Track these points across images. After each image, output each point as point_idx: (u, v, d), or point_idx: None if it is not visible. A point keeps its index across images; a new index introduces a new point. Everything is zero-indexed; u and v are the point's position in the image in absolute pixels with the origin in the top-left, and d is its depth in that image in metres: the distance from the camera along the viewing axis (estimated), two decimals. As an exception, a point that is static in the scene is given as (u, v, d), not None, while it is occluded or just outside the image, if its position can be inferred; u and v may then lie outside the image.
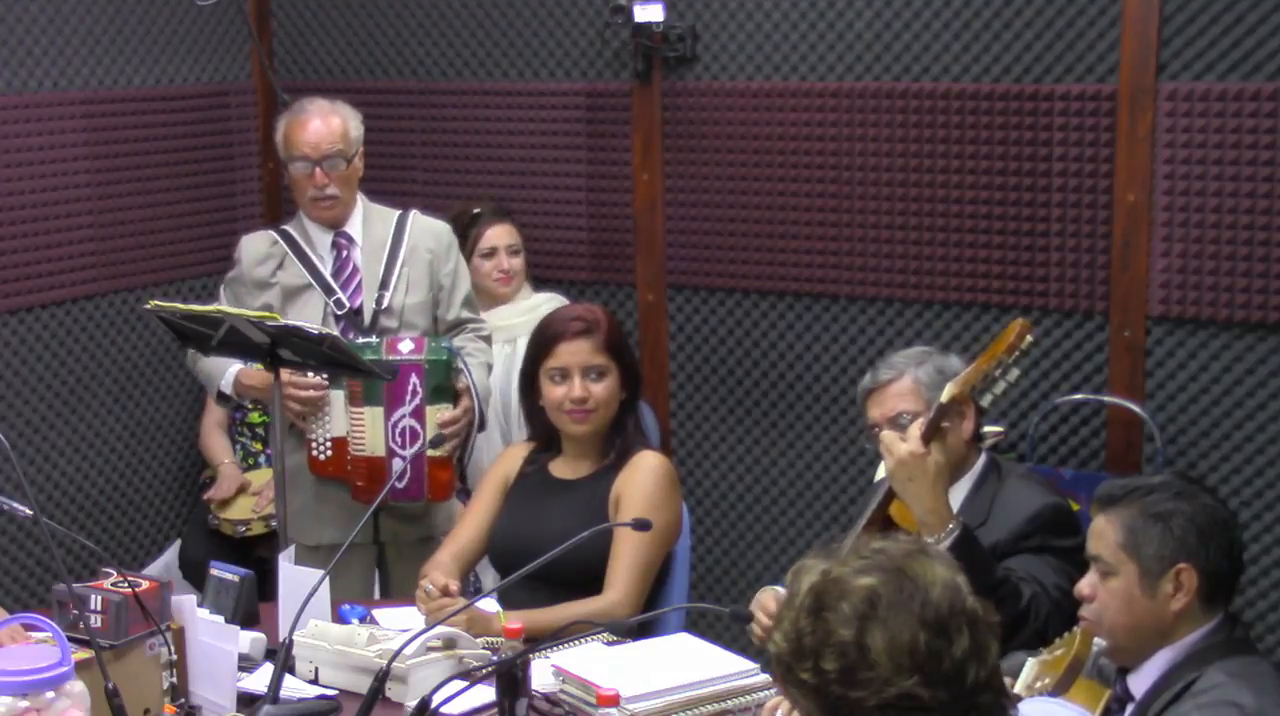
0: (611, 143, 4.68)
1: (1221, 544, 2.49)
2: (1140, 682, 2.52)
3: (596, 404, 3.30)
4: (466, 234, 4.43)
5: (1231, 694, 2.36)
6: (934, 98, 4.18)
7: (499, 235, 4.49)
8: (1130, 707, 2.53)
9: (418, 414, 3.70)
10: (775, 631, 1.87)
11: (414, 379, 3.68)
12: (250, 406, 4.77)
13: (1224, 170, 3.84)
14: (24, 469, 4.13)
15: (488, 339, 3.96)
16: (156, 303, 3.49)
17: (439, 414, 3.69)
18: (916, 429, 2.92)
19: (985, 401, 3.00)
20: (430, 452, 3.68)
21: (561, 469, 3.40)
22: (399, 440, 3.69)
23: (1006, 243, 4.13)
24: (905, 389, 3.19)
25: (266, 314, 3.40)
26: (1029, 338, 2.92)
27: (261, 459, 4.78)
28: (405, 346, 3.69)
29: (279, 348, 3.37)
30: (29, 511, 2.64)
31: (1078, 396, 4.10)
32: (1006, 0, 4.07)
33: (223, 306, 3.64)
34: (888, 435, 2.96)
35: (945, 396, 2.95)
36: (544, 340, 3.37)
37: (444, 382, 3.71)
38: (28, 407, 4.51)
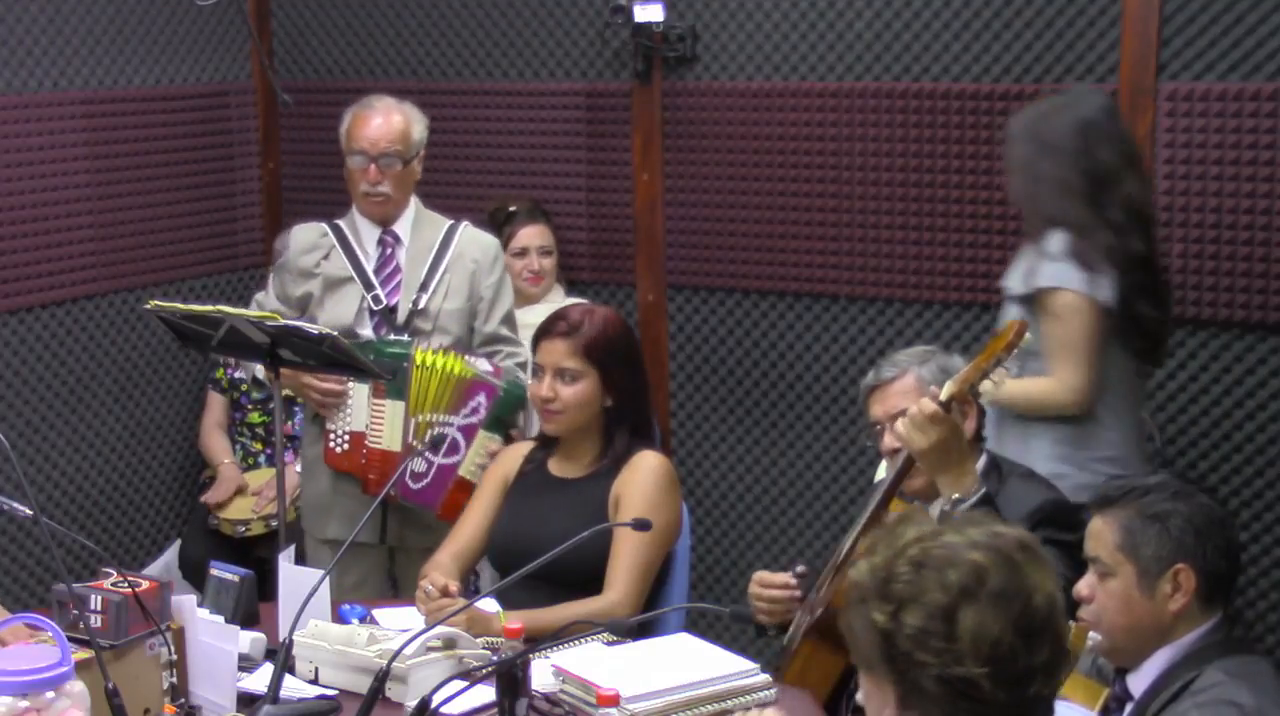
0: (611, 143, 4.68)
1: (1219, 544, 2.50)
2: (1139, 682, 2.52)
3: (563, 406, 3.29)
4: (500, 232, 4.44)
5: (1230, 693, 2.36)
6: (934, 98, 4.18)
7: (531, 236, 4.51)
8: (1129, 706, 2.53)
9: (469, 430, 3.72)
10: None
11: (482, 397, 3.71)
12: (250, 406, 4.78)
13: (1224, 170, 3.84)
14: (24, 469, 4.13)
15: (523, 366, 3.94)
16: (156, 303, 3.49)
17: (489, 443, 3.71)
18: (931, 403, 2.90)
19: (984, 400, 3.00)
20: (458, 473, 3.70)
21: (559, 466, 3.40)
22: (428, 443, 3.69)
23: (1006, 243, 4.13)
24: (908, 387, 3.18)
25: (266, 314, 3.40)
26: (1027, 336, 2.92)
27: (261, 459, 4.78)
28: (484, 365, 3.73)
29: (279, 348, 3.37)
30: (29, 511, 2.64)
31: (1078, 396, 4.09)
32: (1006, 0, 4.07)
33: (223, 306, 3.63)
34: (912, 416, 2.92)
35: (944, 395, 2.94)
36: (535, 335, 3.39)
37: (506, 416, 3.75)
38: (28, 407, 4.51)
